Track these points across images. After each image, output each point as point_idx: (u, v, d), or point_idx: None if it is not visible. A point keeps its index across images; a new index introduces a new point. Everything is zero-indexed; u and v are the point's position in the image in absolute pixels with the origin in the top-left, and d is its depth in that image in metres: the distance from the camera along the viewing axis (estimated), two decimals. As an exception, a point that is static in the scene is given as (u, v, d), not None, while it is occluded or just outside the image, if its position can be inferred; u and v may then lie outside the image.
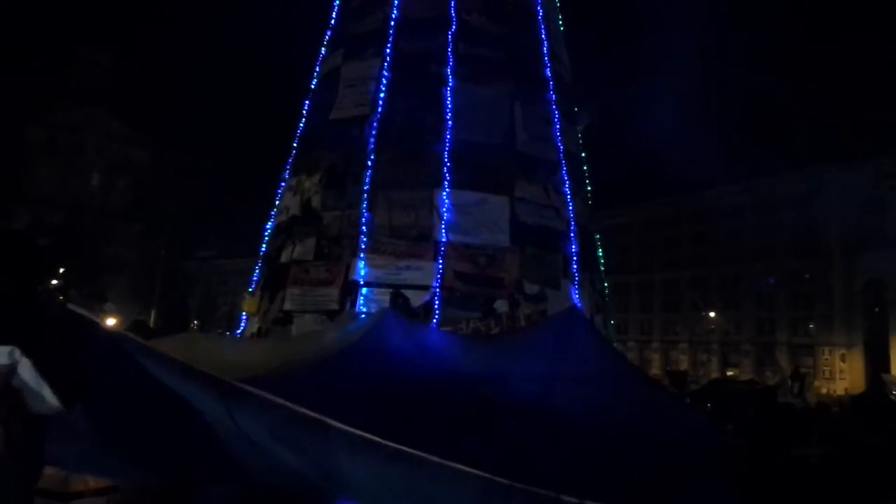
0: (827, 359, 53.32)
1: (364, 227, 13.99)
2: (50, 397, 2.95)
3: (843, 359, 52.30)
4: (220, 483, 4.53)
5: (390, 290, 13.31)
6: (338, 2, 18.12)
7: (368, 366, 4.78)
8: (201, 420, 3.38)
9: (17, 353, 2.90)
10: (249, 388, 3.23)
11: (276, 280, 14.93)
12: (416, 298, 13.30)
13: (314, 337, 8.26)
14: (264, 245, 16.57)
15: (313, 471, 3.34)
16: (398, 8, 15.84)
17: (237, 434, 3.37)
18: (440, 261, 13.61)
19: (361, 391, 4.15)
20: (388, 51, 15.41)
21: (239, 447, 3.49)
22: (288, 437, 3.20)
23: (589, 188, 17.75)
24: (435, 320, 12.93)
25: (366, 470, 3.13)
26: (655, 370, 55.93)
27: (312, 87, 17.54)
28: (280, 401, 3.12)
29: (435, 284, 13.44)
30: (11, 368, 2.88)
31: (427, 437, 2.93)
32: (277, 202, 16.70)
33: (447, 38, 15.37)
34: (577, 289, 15.12)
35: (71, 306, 3.22)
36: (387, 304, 12.47)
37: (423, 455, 2.79)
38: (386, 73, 15.23)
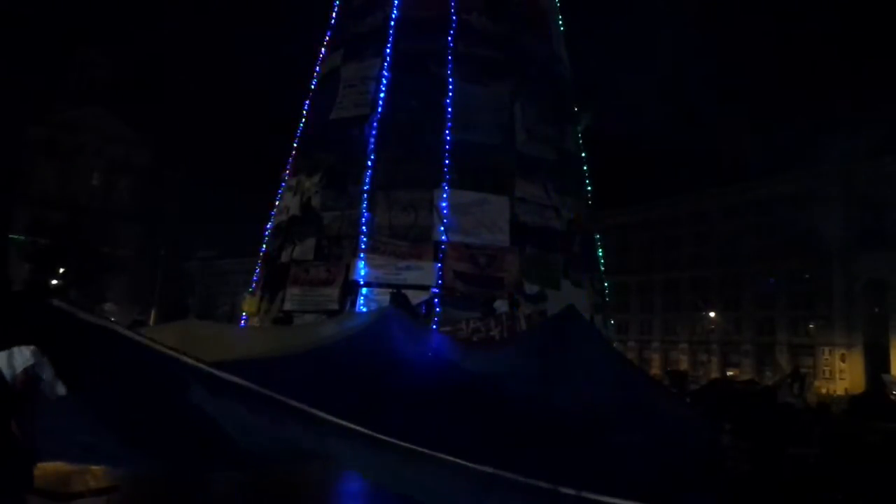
0: (827, 359, 53.31)
1: (364, 227, 14.00)
2: (60, 387, 3.17)
3: (843, 359, 52.29)
4: (218, 467, 4.55)
5: (390, 290, 13.31)
6: (338, 2, 18.13)
7: (366, 358, 4.78)
8: (189, 403, 3.42)
9: (38, 351, 3.08)
10: (227, 377, 3.28)
11: (276, 280, 14.93)
12: (416, 298, 13.30)
13: (312, 328, 8.24)
14: (264, 245, 16.58)
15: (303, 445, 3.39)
16: (398, 8, 15.84)
17: (220, 413, 3.42)
18: (440, 261, 13.61)
19: (358, 382, 4.16)
20: (388, 51, 15.42)
21: (228, 424, 3.53)
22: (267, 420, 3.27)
23: (589, 188, 17.76)
24: (435, 320, 12.93)
25: (362, 457, 3.18)
26: (655, 370, 55.88)
27: (312, 87, 17.56)
28: (253, 387, 3.18)
29: (435, 284, 13.45)
30: (37, 364, 3.07)
31: (426, 432, 2.94)
32: (277, 202, 16.71)
33: (447, 38, 15.37)
34: (577, 289, 15.13)
35: (56, 302, 3.26)
36: (387, 304, 12.47)
37: (427, 451, 2.82)
38: (386, 73, 15.23)
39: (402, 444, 2.87)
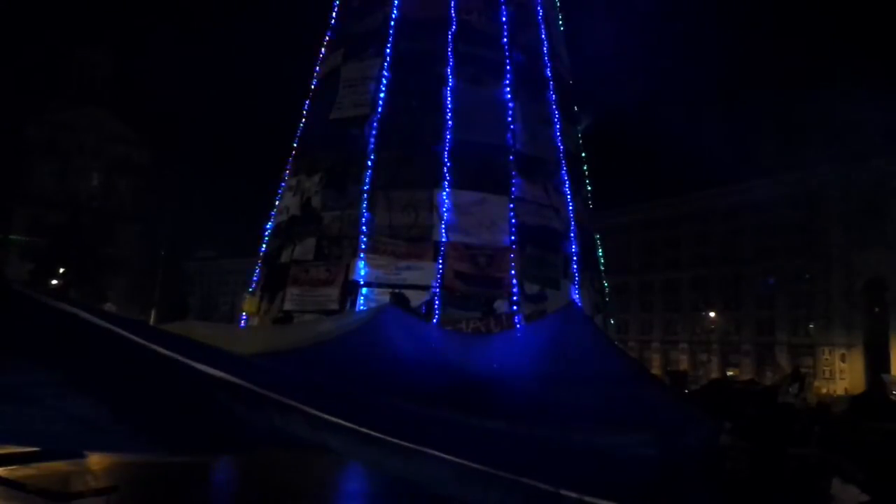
0: (827, 359, 53.33)
1: (364, 227, 13.99)
2: None
3: (843, 359, 52.30)
4: (215, 449, 4.54)
5: (390, 291, 13.31)
6: (338, 2, 18.12)
7: (364, 353, 4.78)
8: (180, 391, 3.39)
9: None
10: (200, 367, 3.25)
11: (276, 280, 14.93)
12: (416, 298, 13.29)
13: (310, 325, 8.25)
14: (264, 245, 16.58)
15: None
16: (398, 8, 15.83)
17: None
18: (440, 261, 13.61)
19: (356, 378, 4.15)
20: (388, 51, 15.41)
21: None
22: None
23: (589, 188, 17.76)
24: (435, 320, 12.92)
25: (363, 454, 3.18)
26: (655, 370, 55.83)
27: (312, 87, 17.56)
28: (234, 379, 3.15)
29: (435, 284, 13.45)
30: None
31: (425, 431, 2.93)
32: (277, 202, 16.70)
33: (447, 38, 15.36)
34: (577, 289, 15.13)
35: (16, 286, 3.22)
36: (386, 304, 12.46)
37: (426, 450, 2.81)
38: (386, 73, 15.23)
39: (402, 442, 2.86)
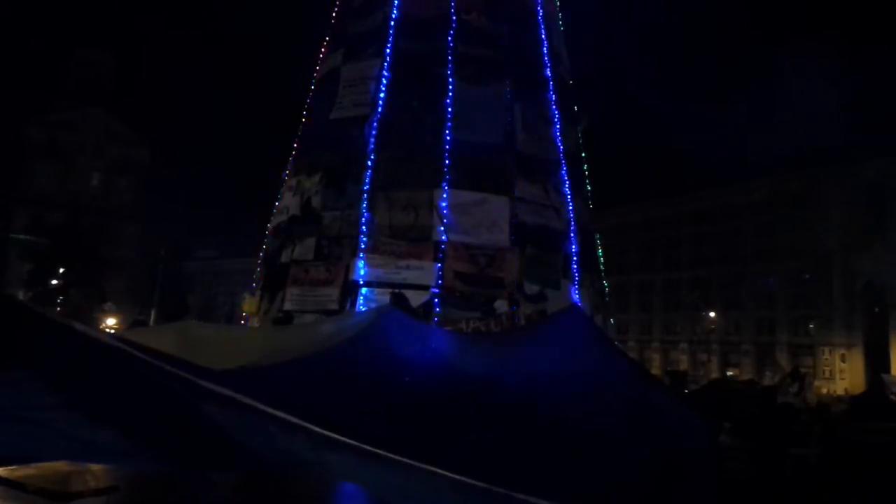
0: (827, 359, 53.40)
1: (364, 227, 13.99)
2: None
3: (843, 359, 52.36)
4: (216, 465, 4.53)
5: (390, 290, 13.31)
6: (338, 2, 18.12)
7: (366, 361, 4.75)
8: (182, 406, 3.37)
9: None
10: (206, 385, 3.22)
11: (276, 280, 14.93)
12: (416, 298, 13.29)
13: (310, 328, 8.18)
14: (264, 245, 16.58)
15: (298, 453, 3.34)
16: (398, 8, 15.83)
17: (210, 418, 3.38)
18: (440, 261, 13.61)
19: (358, 390, 4.14)
20: (388, 51, 15.41)
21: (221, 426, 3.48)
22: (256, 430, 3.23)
23: (589, 188, 17.76)
24: (435, 320, 12.92)
25: (362, 473, 3.15)
26: (655, 370, 55.89)
27: (312, 87, 17.55)
28: (238, 397, 3.12)
29: (435, 284, 13.45)
30: None
31: (425, 439, 2.92)
32: (277, 202, 16.70)
33: (447, 38, 15.36)
34: (577, 289, 15.13)
35: (20, 301, 3.20)
36: (386, 304, 12.46)
37: (424, 466, 2.79)
38: (386, 73, 15.22)
39: (402, 459, 2.83)
